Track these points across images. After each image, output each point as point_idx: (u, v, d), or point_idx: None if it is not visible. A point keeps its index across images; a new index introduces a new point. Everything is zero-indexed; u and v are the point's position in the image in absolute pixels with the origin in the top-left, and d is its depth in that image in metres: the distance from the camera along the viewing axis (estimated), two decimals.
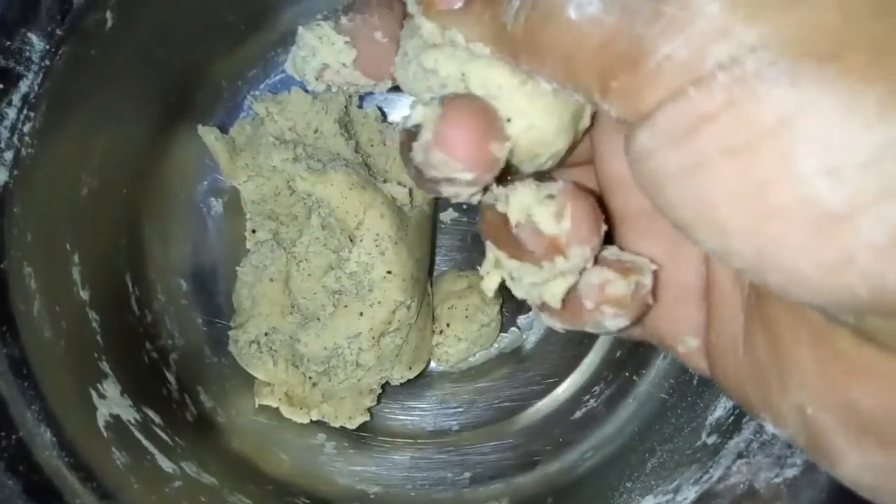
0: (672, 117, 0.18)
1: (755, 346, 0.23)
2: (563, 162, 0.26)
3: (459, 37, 0.23)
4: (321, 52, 0.27)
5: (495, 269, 0.26)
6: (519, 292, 0.26)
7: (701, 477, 0.34)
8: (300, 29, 0.28)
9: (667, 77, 0.18)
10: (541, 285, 0.25)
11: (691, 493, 0.34)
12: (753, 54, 0.17)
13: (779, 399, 0.22)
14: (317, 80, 0.29)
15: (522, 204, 0.24)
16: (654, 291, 0.26)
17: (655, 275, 0.26)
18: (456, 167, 0.23)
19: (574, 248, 0.24)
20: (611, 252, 0.26)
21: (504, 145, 0.23)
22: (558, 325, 0.27)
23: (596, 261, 0.25)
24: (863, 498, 0.31)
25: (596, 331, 0.26)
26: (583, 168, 0.29)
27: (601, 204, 0.28)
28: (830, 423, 0.20)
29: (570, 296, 0.25)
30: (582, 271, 0.25)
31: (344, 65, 0.28)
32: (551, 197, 0.24)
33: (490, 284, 0.26)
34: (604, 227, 0.24)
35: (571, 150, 0.26)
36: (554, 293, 0.25)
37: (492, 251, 0.25)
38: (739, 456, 0.34)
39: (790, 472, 0.32)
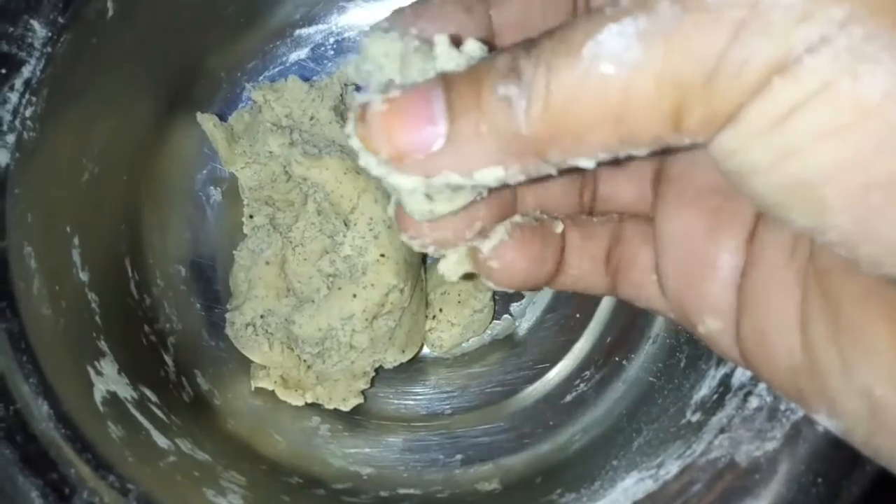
0: (756, 115, 0.17)
1: (812, 329, 0.21)
2: None
3: (454, 177, 0.20)
4: (387, 68, 0.24)
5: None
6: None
7: (684, 452, 0.35)
8: (365, 40, 0.24)
9: (746, 80, 0.17)
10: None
11: (674, 467, 0.34)
12: (844, 29, 0.16)
13: (839, 384, 0.21)
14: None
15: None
16: (558, 256, 0.26)
17: (562, 235, 0.26)
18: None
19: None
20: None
21: None
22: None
23: None
24: (841, 468, 0.32)
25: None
26: None
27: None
28: None
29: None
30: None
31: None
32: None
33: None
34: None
35: None
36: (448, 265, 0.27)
37: None
38: (721, 431, 0.34)
39: (770, 445, 0.32)
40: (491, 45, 0.25)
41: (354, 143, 0.21)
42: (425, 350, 0.47)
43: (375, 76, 0.24)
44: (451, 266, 0.26)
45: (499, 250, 0.25)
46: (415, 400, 0.47)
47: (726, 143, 0.18)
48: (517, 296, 0.48)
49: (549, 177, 0.21)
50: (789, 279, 0.22)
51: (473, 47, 0.22)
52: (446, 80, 0.20)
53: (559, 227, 0.27)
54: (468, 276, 0.27)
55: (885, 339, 0.19)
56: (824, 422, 0.22)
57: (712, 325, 0.25)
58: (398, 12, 0.25)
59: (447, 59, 0.22)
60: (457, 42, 0.22)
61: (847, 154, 0.16)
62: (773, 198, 0.18)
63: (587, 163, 0.19)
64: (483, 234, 0.25)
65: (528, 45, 0.19)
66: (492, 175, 0.20)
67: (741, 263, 0.24)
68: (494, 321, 0.48)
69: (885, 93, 0.16)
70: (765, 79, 0.16)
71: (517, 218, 0.26)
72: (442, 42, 0.22)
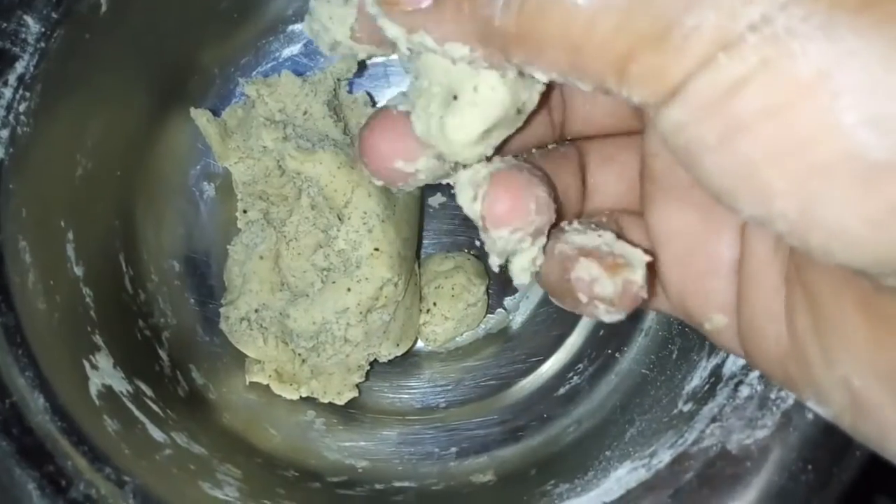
0: (703, 87, 0.17)
1: (796, 319, 0.22)
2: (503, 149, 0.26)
3: (428, 39, 0.22)
4: (333, 30, 0.27)
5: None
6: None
7: (676, 441, 0.35)
8: (312, 2, 0.27)
9: (694, 48, 0.17)
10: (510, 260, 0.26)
11: (666, 456, 0.35)
12: (784, 11, 0.16)
13: (822, 374, 0.21)
14: (330, 51, 0.29)
15: (459, 183, 0.25)
16: (651, 284, 0.25)
17: (650, 266, 0.25)
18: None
19: (491, 230, 0.24)
20: (606, 240, 0.25)
21: None
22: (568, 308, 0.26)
23: (593, 251, 0.25)
24: (831, 455, 0.32)
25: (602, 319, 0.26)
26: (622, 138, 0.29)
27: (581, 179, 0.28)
28: (879, 395, 0.19)
29: (567, 284, 0.25)
30: (543, 247, 0.25)
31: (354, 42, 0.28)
32: (485, 178, 0.24)
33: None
34: (545, 209, 0.24)
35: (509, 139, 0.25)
36: (514, 270, 0.26)
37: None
38: (713, 420, 0.34)
39: (761, 434, 0.33)
40: None
41: None
42: (419, 344, 0.47)
43: (323, 37, 0.26)
44: (525, 265, 0.26)
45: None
46: (409, 393, 0.47)
47: (675, 116, 0.18)
48: (511, 290, 0.49)
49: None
50: (775, 271, 0.22)
51: None
52: None
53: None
54: (480, 258, 0.28)
55: (860, 330, 0.19)
56: (815, 408, 0.22)
57: (719, 321, 0.25)
58: None
59: None
60: None
61: (787, 134, 0.16)
62: (723, 181, 0.18)
63: (541, 75, 0.20)
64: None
65: None
66: (459, 52, 0.21)
67: (737, 256, 0.24)
68: (488, 315, 0.48)
69: (818, 71, 0.16)
70: (711, 52, 0.17)
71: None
72: None
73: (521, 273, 0.26)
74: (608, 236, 0.25)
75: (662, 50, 0.17)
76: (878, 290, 0.19)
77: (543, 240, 0.25)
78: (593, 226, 0.27)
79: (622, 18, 0.17)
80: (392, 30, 0.22)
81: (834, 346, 0.20)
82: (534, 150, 0.29)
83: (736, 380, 0.35)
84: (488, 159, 0.25)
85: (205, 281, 0.47)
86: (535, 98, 0.24)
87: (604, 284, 0.24)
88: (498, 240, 0.24)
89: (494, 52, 0.20)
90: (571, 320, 0.47)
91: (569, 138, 0.29)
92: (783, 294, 0.22)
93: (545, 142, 0.29)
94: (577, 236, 0.26)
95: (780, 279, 0.22)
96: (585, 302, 0.24)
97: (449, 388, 0.47)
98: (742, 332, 0.24)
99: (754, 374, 0.34)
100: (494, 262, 0.26)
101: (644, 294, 0.24)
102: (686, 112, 0.18)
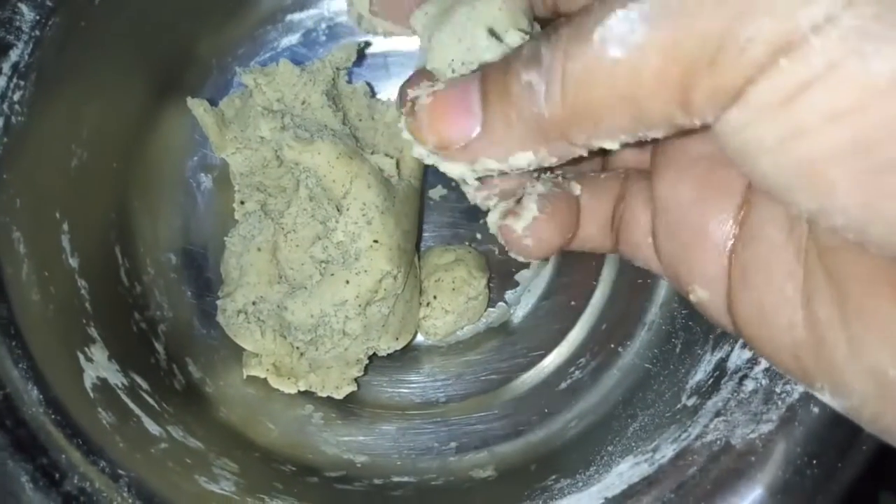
0: (764, 92, 0.17)
1: (817, 308, 0.21)
2: None
3: (491, 163, 0.22)
4: (357, 3, 0.29)
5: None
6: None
7: (679, 436, 0.35)
8: None
9: (752, 57, 0.17)
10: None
11: (669, 451, 0.34)
12: (851, 9, 0.15)
13: (846, 363, 0.20)
14: (359, 27, 0.31)
15: None
16: (578, 219, 0.28)
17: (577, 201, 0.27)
18: None
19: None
20: (535, 188, 0.27)
21: None
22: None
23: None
24: (835, 449, 0.32)
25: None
26: None
27: None
28: None
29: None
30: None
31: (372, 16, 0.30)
32: None
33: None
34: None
35: None
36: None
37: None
38: (717, 414, 0.34)
39: (765, 428, 0.32)
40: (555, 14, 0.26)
41: (406, 135, 0.23)
42: (419, 338, 0.47)
43: (351, 10, 0.29)
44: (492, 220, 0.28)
45: (533, 227, 0.27)
46: (409, 388, 0.46)
47: (734, 120, 0.18)
48: (512, 283, 0.48)
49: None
50: (788, 256, 0.22)
51: (514, 37, 0.24)
52: (483, 71, 0.22)
53: (577, 189, 0.28)
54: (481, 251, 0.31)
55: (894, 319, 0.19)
56: (827, 399, 0.22)
57: (701, 294, 0.25)
58: None
59: (486, 49, 0.24)
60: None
61: (855, 136, 0.16)
62: (779, 179, 0.18)
63: (611, 144, 0.20)
64: (514, 212, 0.27)
65: (549, 32, 0.20)
66: (524, 159, 0.21)
67: (731, 234, 0.24)
68: (489, 309, 0.48)
69: (894, 73, 0.15)
70: (771, 58, 0.16)
71: (540, 187, 0.27)
72: (481, 35, 0.24)
73: (491, 224, 0.28)
74: (539, 187, 0.27)
75: (720, 67, 0.17)
76: None
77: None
78: (560, 179, 0.28)
79: (668, 51, 0.17)
80: (456, 169, 0.23)
81: (863, 335, 0.20)
82: None
83: (741, 374, 0.34)
84: None
85: (202, 273, 0.47)
86: None
87: (491, 222, 0.27)
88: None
89: (556, 143, 0.20)
90: (573, 315, 0.47)
91: None
92: (798, 280, 0.22)
93: None
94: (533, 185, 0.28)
95: (793, 265, 0.22)
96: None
97: (449, 382, 0.47)
98: (743, 315, 0.24)
99: (759, 368, 0.34)
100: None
101: (527, 242, 0.27)
102: (745, 115, 0.18)
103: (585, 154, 0.21)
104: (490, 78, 0.21)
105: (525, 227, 0.27)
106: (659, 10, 0.17)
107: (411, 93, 0.23)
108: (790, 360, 0.22)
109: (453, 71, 0.25)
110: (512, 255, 0.28)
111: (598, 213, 0.28)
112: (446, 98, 0.22)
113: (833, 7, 0.16)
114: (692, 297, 0.26)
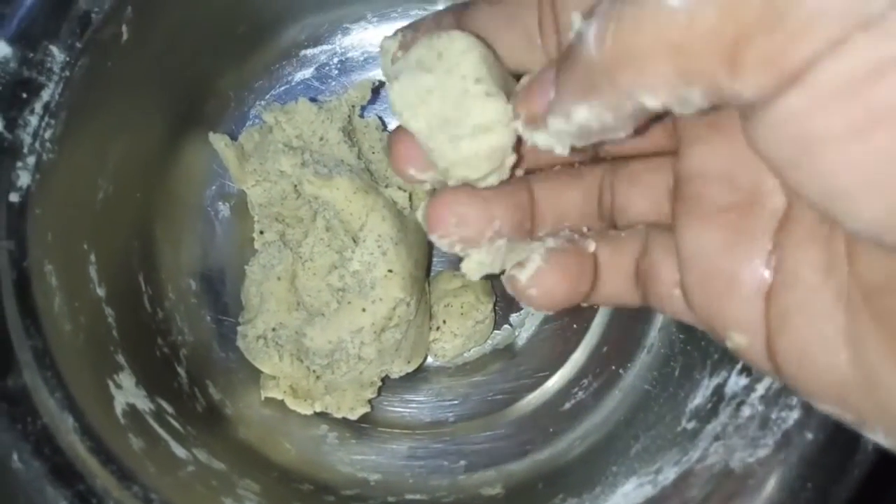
0: (833, 72, 0.15)
1: (867, 348, 0.20)
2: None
3: (560, 123, 0.23)
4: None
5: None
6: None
7: (681, 459, 0.37)
8: (383, 39, 0.30)
9: (822, 28, 0.15)
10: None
11: (671, 473, 0.36)
12: None
13: None
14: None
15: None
16: (591, 274, 0.29)
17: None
18: None
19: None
20: (533, 248, 0.28)
21: None
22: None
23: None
24: (829, 473, 0.34)
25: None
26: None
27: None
28: None
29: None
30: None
31: None
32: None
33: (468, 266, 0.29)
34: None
35: None
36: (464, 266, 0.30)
37: None
38: (716, 438, 0.36)
39: (762, 452, 0.34)
40: None
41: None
42: (428, 359, 0.49)
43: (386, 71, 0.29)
44: (472, 266, 0.29)
45: (537, 277, 0.28)
46: (418, 408, 0.48)
47: (794, 103, 0.16)
48: (517, 306, 0.50)
49: (568, 186, 0.26)
50: (827, 298, 0.22)
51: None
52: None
53: (592, 246, 0.29)
54: (487, 277, 0.30)
55: None
56: (881, 440, 0.21)
57: (739, 340, 0.25)
58: (406, 27, 0.29)
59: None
60: None
61: None
62: (840, 179, 0.16)
63: (653, 100, 0.19)
64: (519, 257, 0.28)
65: None
66: (583, 114, 0.22)
67: (765, 279, 0.23)
68: (495, 331, 0.50)
69: None
70: (844, 33, 0.15)
71: (550, 242, 0.28)
72: (576, 18, 0.23)
73: (470, 270, 0.29)
74: (549, 242, 0.29)
75: (780, 32, 0.16)
76: None
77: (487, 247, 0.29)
78: (576, 237, 0.29)
79: (725, 7, 0.16)
80: (540, 139, 0.24)
81: None
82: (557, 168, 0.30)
83: (738, 399, 0.36)
84: None
85: (220, 298, 0.48)
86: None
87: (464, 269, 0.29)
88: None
89: (604, 91, 0.20)
90: (576, 337, 0.49)
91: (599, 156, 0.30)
92: (838, 322, 0.21)
93: (572, 160, 0.30)
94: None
95: (831, 307, 0.21)
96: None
97: (457, 402, 0.48)
98: (784, 358, 0.23)
99: (756, 394, 0.36)
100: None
101: (532, 292, 0.28)
102: (808, 99, 0.16)
103: (635, 122, 0.21)
104: (564, 50, 0.22)
105: (529, 278, 0.28)
106: None
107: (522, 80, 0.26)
108: (835, 401, 0.22)
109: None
110: (523, 304, 0.30)
111: (621, 270, 0.29)
112: (537, 75, 0.24)
113: None
114: (730, 345, 0.25)
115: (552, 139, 0.24)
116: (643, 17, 0.18)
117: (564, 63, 0.21)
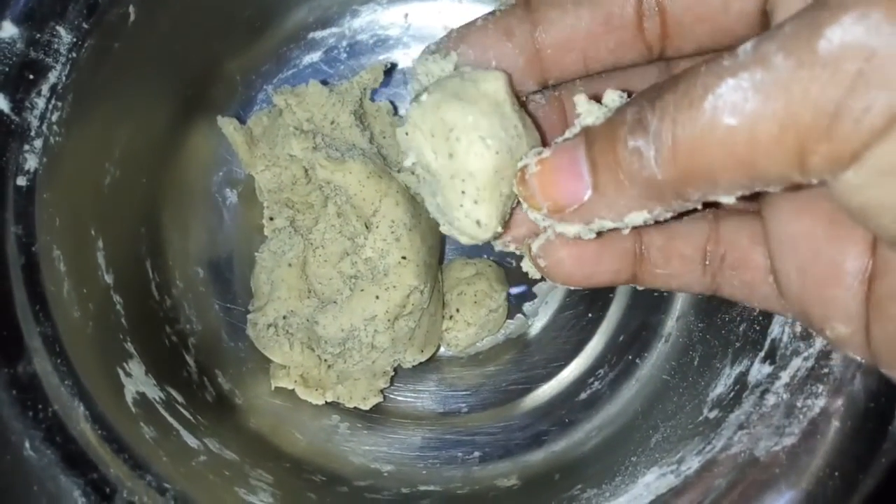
0: (881, 155, 0.18)
1: None
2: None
3: (607, 222, 0.23)
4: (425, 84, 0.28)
5: None
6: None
7: (704, 448, 0.36)
8: (414, 62, 0.29)
9: (869, 125, 0.17)
10: None
11: (695, 462, 0.36)
12: None
13: None
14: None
15: None
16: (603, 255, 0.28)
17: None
18: None
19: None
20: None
21: None
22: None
23: None
24: (856, 461, 0.33)
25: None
26: None
27: None
28: None
29: None
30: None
31: None
32: None
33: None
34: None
35: None
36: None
37: None
38: (740, 427, 0.35)
39: (788, 441, 0.34)
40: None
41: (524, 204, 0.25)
42: (441, 349, 0.48)
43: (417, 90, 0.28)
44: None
45: (545, 249, 0.28)
46: (431, 398, 0.48)
47: (852, 179, 0.18)
48: (530, 295, 0.49)
49: None
50: None
51: (612, 97, 0.25)
52: (587, 137, 0.23)
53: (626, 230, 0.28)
54: (500, 264, 0.32)
55: None
56: None
57: (841, 330, 0.25)
58: (445, 37, 0.28)
59: (587, 113, 0.25)
60: (597, 98, 0.25)
61: None
62: None
63: (727, 198, 0.21)
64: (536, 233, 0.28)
65: (652, 97, 0.20)
66: (639, 217, 0.22)
67: (866, 268, 0.24)
68: (508, 320, 0.49)
69: None
70: (888, 124, 0.17)
71: None
72: (581, 101, 0.24)
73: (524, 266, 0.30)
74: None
75: (836, 135, 0.18)
76: None
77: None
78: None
79: (783, 120, 0.18)
80: (572, 230, 0.24)
81: None
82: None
83: (762, 388, 0.36)
84: None
85: (228, 286, 0.48)
86: None
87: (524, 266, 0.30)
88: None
89: (670, 200, 0.21)
90: (591, 326, 0.48)
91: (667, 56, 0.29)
92: None
93: (636, 62, 0.29)
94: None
95: None
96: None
97: (469, 393, 0.48)
98: (878, 346, 0.24)
99: (780, 382, 0.35)
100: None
101: (541, 262, 0.28)
102: (864, 177, 0.18)
103: (700, 207, 0.22)
104: (596, 144, 0.22)
105: (538, 247, 0.28)
106: (771, 80, 0.18)
107: (521, 162, 0.25)
108: None
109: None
110: (536, 292, 0.29)
111: (680, 253, 0.29)
112: (554, 165, 0.23)
113: None
114: (829, 334, 0.25)
115: (583, 231, 0.24)
116: (703, 139, 0.19)
117: (618, 178, 0.22)
